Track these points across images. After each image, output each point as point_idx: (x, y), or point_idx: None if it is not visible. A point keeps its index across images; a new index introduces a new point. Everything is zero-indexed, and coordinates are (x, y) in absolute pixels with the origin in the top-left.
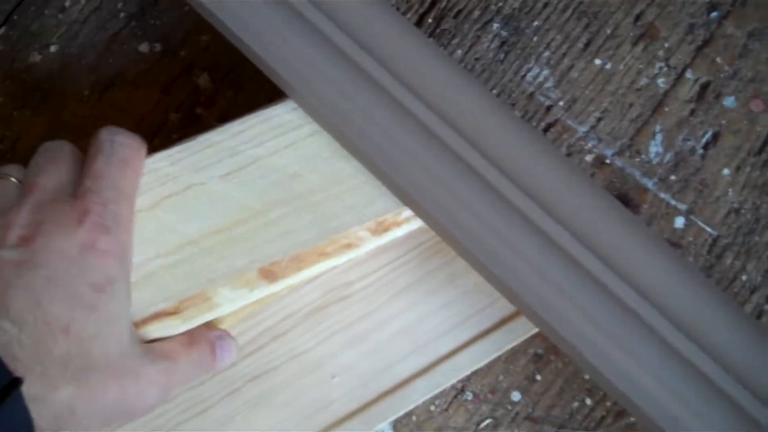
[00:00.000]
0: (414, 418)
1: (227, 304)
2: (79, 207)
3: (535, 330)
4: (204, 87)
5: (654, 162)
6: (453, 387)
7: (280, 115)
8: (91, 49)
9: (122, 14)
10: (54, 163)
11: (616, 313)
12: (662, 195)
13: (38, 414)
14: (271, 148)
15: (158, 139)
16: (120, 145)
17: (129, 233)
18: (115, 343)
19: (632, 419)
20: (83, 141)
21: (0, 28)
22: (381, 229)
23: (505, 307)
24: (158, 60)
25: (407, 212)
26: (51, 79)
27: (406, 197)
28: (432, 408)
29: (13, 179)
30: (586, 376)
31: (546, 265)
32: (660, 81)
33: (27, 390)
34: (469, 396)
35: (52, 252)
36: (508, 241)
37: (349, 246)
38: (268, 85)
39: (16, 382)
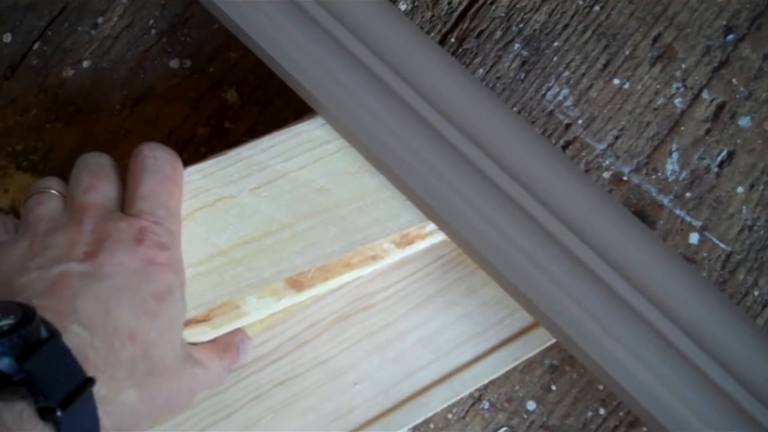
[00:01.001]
0: (432, 425)
1: (255, 313)
2: (136, 226)
3: (552, 341)
4: (232, 102)
5: (670, 179)
6: (470, 396)
7: (309, 131)
8: (123, 65)
9: (153, 31)
10: (100, 180)
11: (632, 323)
12: (677, 211)
13: (105, 414)
14: (299, 163)
15: (187, 153)
16: (163, 161)
17: (180, 246)
18: (171, 349)
19: (644, 429)
20: (114, 153)
21: (34, 44)
22: (405, 241)
23: (522, 318)
24: (188, 76)
25: (431, 226)
26: (83, 94)
27: (429, 211)
28: (449, 416)
29: (54, 191)
30: (601, 387)
31: (565, 277)
32: (677, 101)
33: (97, 391)
34: (485, 405)
35: (116, 265)
36: (528, 253)
37: (374, 258)
38: (294, 101)
39: (89, 382)
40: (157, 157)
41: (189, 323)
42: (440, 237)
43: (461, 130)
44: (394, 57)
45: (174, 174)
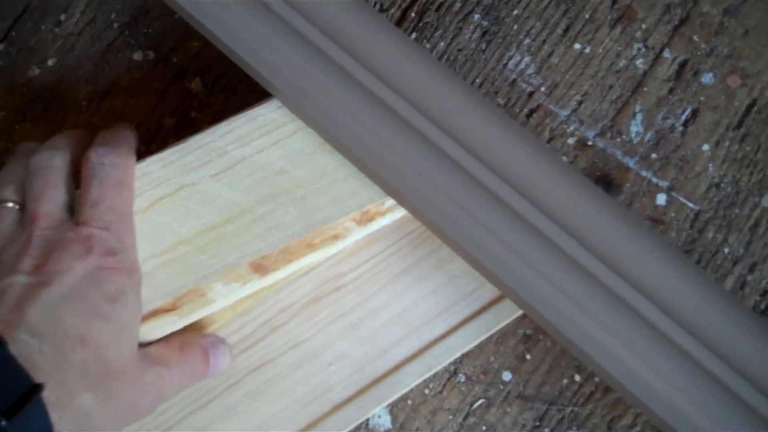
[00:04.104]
0: (409, 401)
1: (221, 299)
2: (84, 233)
3: (521, 311)
4: (197, 91)
5: (635, 141)
6: (446, 370)
7: (265, 114)
8: (88, 60)
9: (116, 25)
10: (51, 186)
11: (598, 294)
12: (644, 173)
13: (58, 419)
14: (257, 147)
15: (155, 144)
16: (110, 166)
17: (133, 247)
18: (128, 351)
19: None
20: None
21: None
22: (366, 219)
23: (492, 289)
24: (152, 67)
25: (390, 201)
26: (50, 91)
27: (387, 187)
28: (426, 391)
29: (10, 204)
30: None
31: (527, 250)
32: (638, 62)
33: (48, 396)
34: (461, 378)
35: (64, 273)
36: (489, 227)
37: (336, 237)
38: (259, 87)
39: (36, 388)
40: (104, 163)
41: (156, 313)
42: (401, 212)
43: (415, 105)
44: (346, 36)
45: (122, 176)
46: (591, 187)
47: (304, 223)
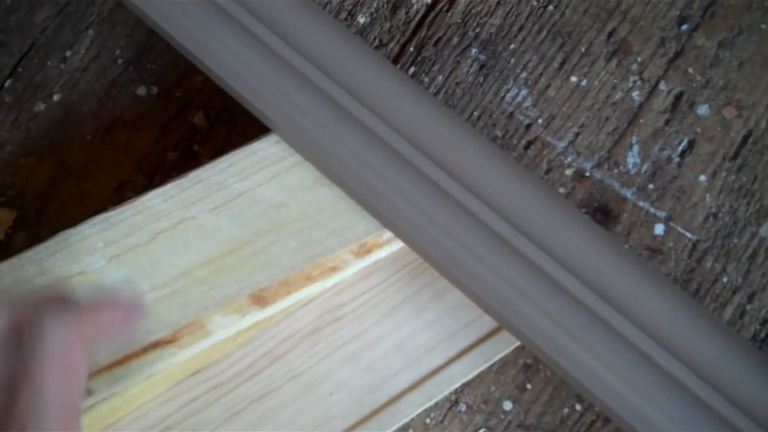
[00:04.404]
0: (411, 431)
1: (221, 331)
2: None
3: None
4: (200, 125)
5: (632, 172)
6: (447, 399)
7: (264, 149)
8: (92, 96)
9: (120, 60)
10: None
11: (594, 327)
12: (641, 203)
13: None
14: (257, 181)
15: (158, 177)
16: (49, 341)
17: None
18: None
19: None
20: (88, 182)
21: (6, 81)
22: (364, 251)
23: (491, 320)
24: (155, 102)
25: (388, 234)
26: (55, 126)
27: (384, 220)
28: (428, 421)
29: None
30: None
31: (523, 283)
32: (635, 94)
33: None
34: (462, 407)
35: None
36: (485, 260)
37: (334, 269)
38: (260, 121)
39: None
40: (41, 333)
41: (157, 345)
42: (398, 245)
43: (410, 140)
44: (342, 73)
45: (67, 348)
46: (587, 220)
47: (303, 256)
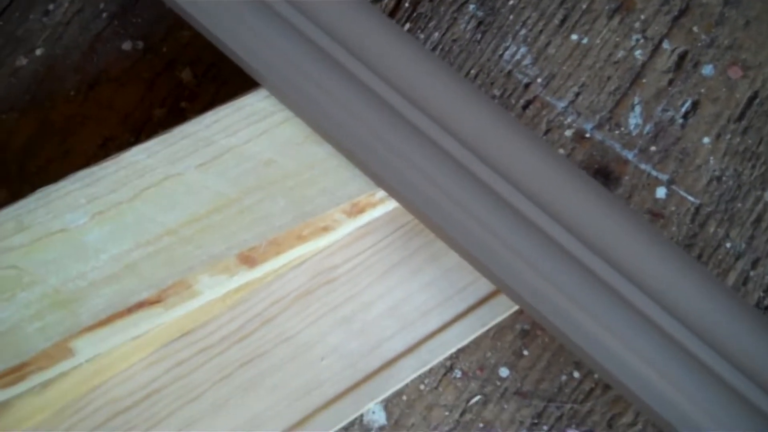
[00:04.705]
0: (404, 397)
1: (208, 292)
2: None
3: (517, 306)
4: (187, 81)
5: (634, 134)
6: (442, 365)
7: (253, 104)
8: (76, 50)
9: (104, 14)
10: None
11: (595, 290)
12: (643, 166)
13: None
14: (244, 137)
15: (144, 135)
16: None
17: None
18: None
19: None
20: (72, 139)
21: None
22: (356, 210)
23: (488, 283)
24: (141, 57)
25: (381, 193)
26: (37, 81)
27: (378, 179)
28: (422, 387)
29: None
30: None
31: (521, 244)
32: (637, 53)
33: None
34: (458, 374)
35: None
36: (482, 220)
37: (325, 229)
38: (251, 79)
39: None
40: None
41: (142, 305)
42: (392, 204)
43: (406, 95)
44: (336, 25)
45: None
46: (588, 179)
47: (293, 215)
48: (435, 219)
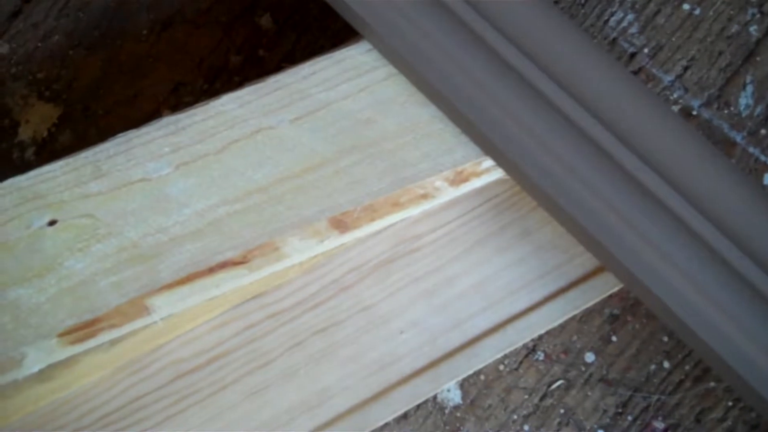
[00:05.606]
0: (482, 377)
1: (296, 255)
2: None
3: (613, 289)
4: (266, 28)
5: (743, 114)
6: (524, 346)
7: (354, 57)
8: None
9: None
10: None
11: (715, 267)
12: (751, 150)
13: None
14: (343, 92)
15: (219, 82)
16: None
17: None
18: None
19: (712, 384)
20: (141, 82)
21: None
22: (459, 179)
23: (581, 264)
24: None
25: (487, 162)
26: (107, 17)
27: (488, 145)
28: (501, 367)
29: None
30: (665, 339)
31: (638, 217)
32: (752, 28)
33: None
34: (540, 356)
35: None
36: (599, 191)
37: (425, 196)
38: (333, 28)
39: None
40: None
41: (225, 265)
42: (497, 175)
43: (529, 56)
44: None
45: None
46: (710, 148)
47: (391, 180)
48: (547, 188)
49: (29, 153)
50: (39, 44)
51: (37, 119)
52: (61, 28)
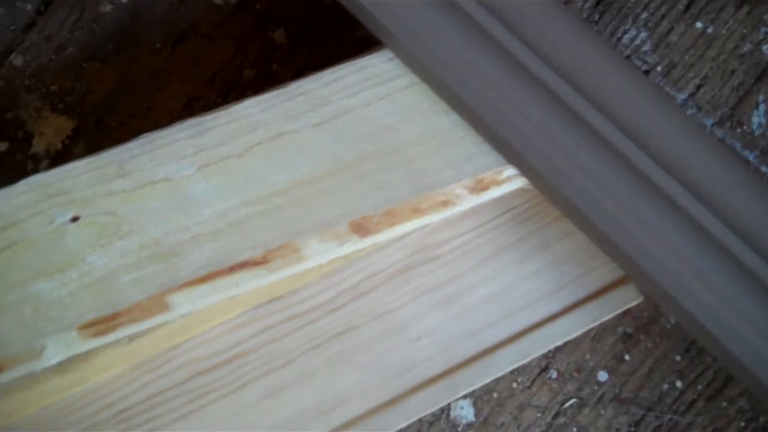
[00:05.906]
0: (495, 394)
1: (315, 257)
2: None
3: (630, 304)
4: (280, 42)
5: (756, 134)
6: (537, 364)
7: (375, 65)
8: (164, 0)
9: None
10: None
11: (738, 276)
12: (764, 169)
13: None
14: (364, 99)
15: (232, 96)
16: None
17: None
18: None
19: (724, 404)
20: (154, 95)
21: None
22: (480, 187)
23: (599, 277)
24: (233, 13)
25: (509, 171)
26: (122, 30)
27: (511, 153)
28: (514, 385)
29: None
30: (677, 358)
31: (663, 227)
32: (765, 47)
33: None
34: (553, 374)
35: None
36: (623, 200)
37: (445, 204)
38: (346, 43)
39: None
40: None
41: (245, 265)
42: (519, 183)
43: (551, 65)
44: None
45: None
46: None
47: (412, 186)
48: (570, 196)
49: (43, 165)
50: (53, 57)
51: (50, 132)
52: (75, 40)
